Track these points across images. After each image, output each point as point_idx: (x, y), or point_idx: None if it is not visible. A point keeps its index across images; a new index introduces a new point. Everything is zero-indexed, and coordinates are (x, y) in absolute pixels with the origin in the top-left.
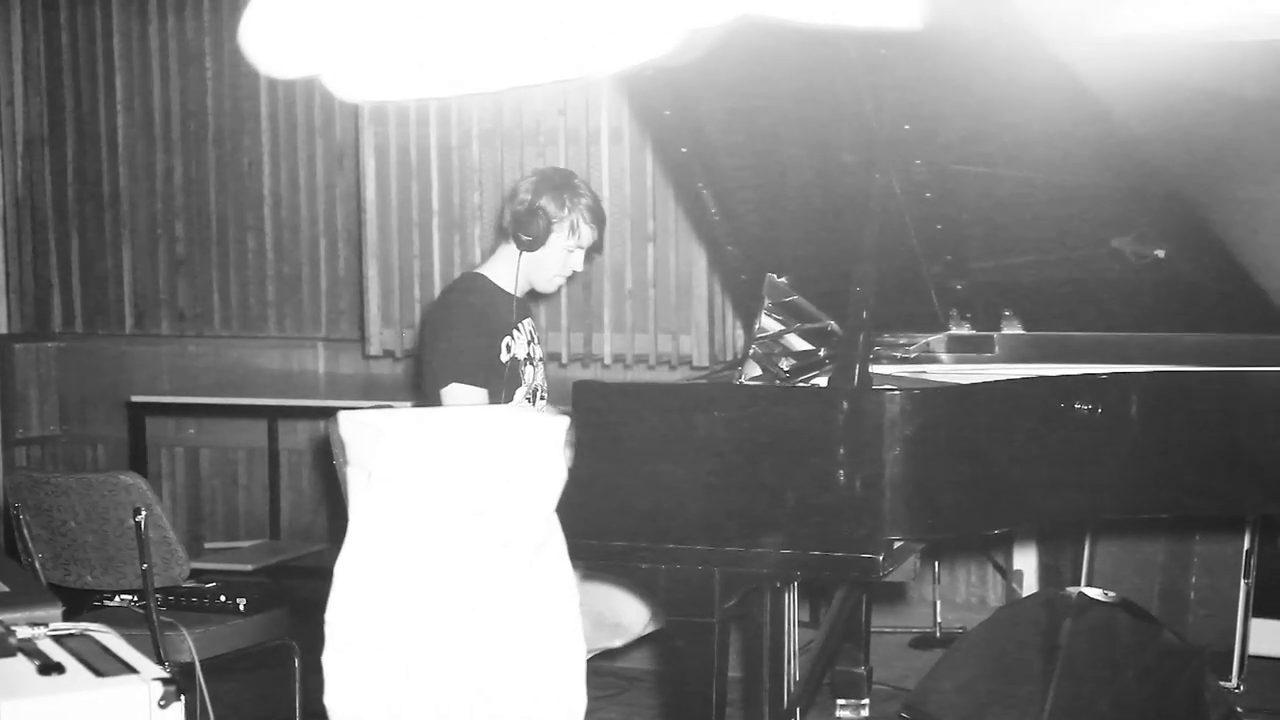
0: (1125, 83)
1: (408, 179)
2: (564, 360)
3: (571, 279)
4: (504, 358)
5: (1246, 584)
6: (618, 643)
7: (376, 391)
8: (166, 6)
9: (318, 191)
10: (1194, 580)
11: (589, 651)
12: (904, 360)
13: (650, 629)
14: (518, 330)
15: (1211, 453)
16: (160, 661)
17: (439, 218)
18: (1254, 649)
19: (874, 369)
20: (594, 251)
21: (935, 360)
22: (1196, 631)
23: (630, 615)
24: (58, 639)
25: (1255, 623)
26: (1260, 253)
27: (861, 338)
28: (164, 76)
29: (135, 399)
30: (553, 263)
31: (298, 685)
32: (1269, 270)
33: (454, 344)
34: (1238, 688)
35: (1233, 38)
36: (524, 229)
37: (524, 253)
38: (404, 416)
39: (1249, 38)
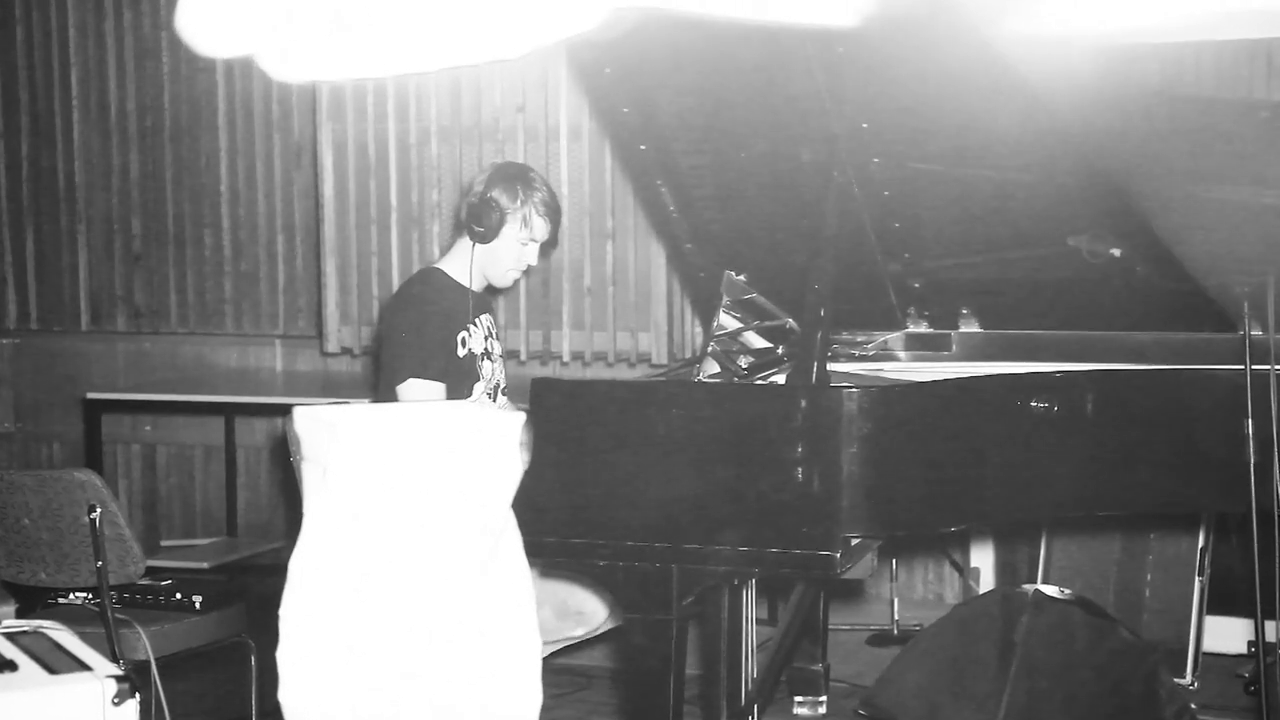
0: (1075, 83)
1: (366, 176)
2: (523, 358)
3: (527, 273)
4: (460, 352)
5: (1201, 581)
6: (580, 631)
7: (334, 389)
8: (122, 1)
9: (275, 188)
10: (1149, 578)
11: (554, 644)
12: (862, 358)
13: (615, 622)
14: (474, 325)
15: (1167, 450)
16: (115, 659)
17: (397, 215)
18: (1208, 646)
19: (832, 366)
20: (549, 246)
21: (893, 358)
22: (1151, 628)
23: (593, 604)
24: (10, 636)
25: (1209, 620)
26: (1205, 254)
27: (819, 335)
28: (120, 71)
29: (91, 396)
30: (507, 255)
31: (254, 683)
32: (1212, 271)
33: (409, 338)
34: (1192, 684)
35: (1185, 39)
36: (477, 220)
37: (478, 245)
38: (359, 412)
39: (1200, 38)
